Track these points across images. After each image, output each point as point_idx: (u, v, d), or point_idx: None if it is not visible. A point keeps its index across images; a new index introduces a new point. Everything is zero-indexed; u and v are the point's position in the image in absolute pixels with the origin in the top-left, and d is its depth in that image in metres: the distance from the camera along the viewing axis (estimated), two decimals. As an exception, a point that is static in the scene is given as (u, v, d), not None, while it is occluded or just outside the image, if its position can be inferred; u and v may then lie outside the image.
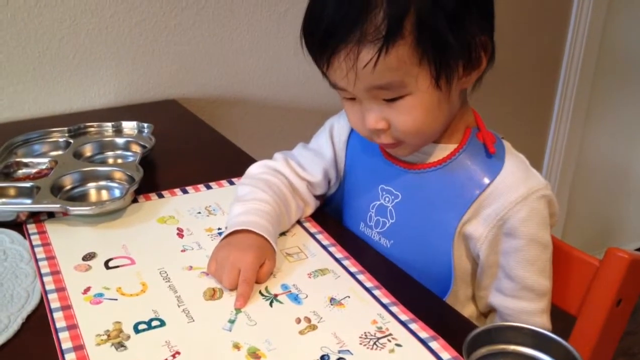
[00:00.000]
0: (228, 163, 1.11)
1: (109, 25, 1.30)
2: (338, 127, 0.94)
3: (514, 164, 0.82)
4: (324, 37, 0.73)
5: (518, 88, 1.96)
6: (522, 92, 1.99)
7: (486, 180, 0.80)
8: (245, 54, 1.46)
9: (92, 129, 1.11)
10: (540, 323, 0.82)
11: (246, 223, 0.79)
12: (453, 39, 0.72)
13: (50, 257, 0.79)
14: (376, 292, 0.74)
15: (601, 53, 2.07)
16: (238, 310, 0.70)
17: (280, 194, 0.87)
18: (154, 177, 1.02)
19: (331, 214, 0.95)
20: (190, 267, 0.78)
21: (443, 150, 0.83)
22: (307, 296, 0.73)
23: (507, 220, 0.79)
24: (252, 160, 1.06)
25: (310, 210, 0.92)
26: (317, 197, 0.94)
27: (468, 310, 0.87)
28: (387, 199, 0.86)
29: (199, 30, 1.39)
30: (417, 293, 0.77)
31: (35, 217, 0.87)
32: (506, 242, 0.80)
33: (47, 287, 0.73)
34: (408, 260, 0.83)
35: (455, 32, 0.72)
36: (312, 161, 0.93)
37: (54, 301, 0.70)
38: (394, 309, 0.71)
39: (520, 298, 0.82)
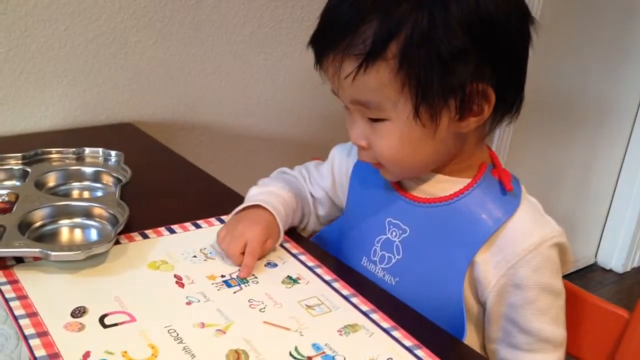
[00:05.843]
0: (208, 197, 1.00)
1: (62, 39, 1.16)
2: (340, 158, 0.92)
3: (529, 208, 0.78)
4: (321, 35, 0.74)
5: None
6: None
7: (501, 219, 0.76)
8: (208, 76, 1.36)
9: (51, 155, 0.97)
10: None
11: (259, 200, 0.85)
12: (436, 76, 0.69)
13: (32, 314, 0.65)
14: (419, 353, 0.66)
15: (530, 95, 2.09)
16: (273, 378, 0.61)
17: (296, 190, 0.91)
18: (130, 213, 0.89)
19: (329, 245, 0.90)
20: (203, 324, 0.67)
21: (456, 184, 0.78)
22: (344, 359, 0.64)
23: (518, 270, 0.75)
24: (236, 195, 0.97)
25: (312, 223, 0.95)
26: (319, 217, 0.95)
27: None
28: (394, 233, 0.81)
29: (161, 49, 1.28)
30: (460, 351, 0.70)
31: (0, 262, 0.73)
32: (516, 294, 0.76)
33: (37, 353, 0.59)
34: (415, 300, 0.77)
35: (440, 71, 0.68)
36: (318, 178, 0.94)
37: (49, 372, 0.58)
38: (445, 372, 0.64)
39: (537, 351, 0.77)
